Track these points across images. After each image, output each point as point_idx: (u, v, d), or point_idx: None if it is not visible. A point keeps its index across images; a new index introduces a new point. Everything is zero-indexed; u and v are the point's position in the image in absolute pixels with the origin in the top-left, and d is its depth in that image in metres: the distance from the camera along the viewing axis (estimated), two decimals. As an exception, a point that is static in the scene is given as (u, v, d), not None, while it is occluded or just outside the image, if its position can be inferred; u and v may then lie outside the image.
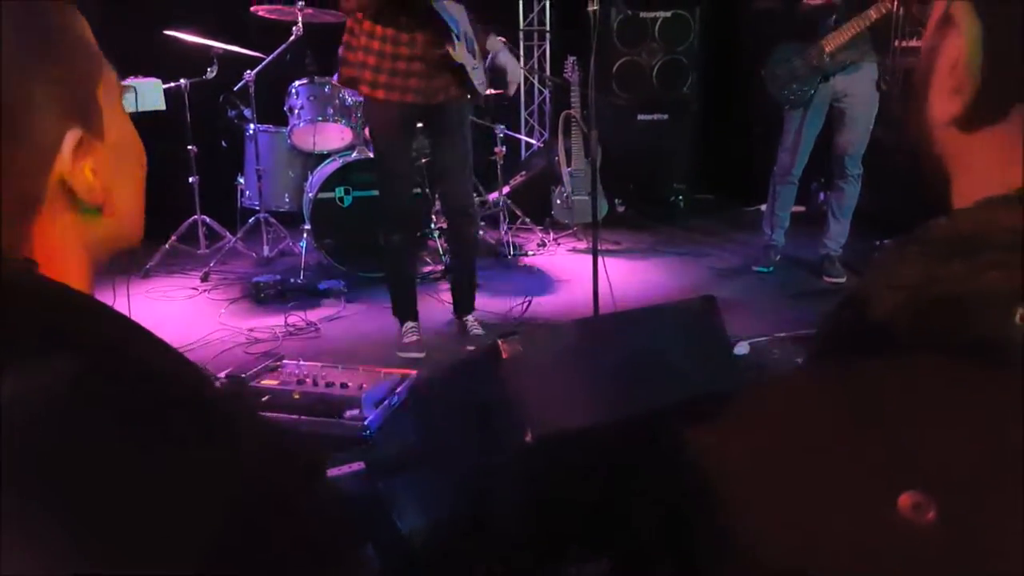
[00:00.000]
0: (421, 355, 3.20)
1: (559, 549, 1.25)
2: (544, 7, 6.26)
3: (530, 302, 3.75)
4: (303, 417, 2.48)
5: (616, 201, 5.49)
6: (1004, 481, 0.38)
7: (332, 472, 1.83)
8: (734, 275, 4.29)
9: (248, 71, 4.36)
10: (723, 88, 5.98)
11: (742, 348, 3.07)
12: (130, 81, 3.74)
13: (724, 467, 0.47)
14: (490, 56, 3.26)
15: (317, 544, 0.46)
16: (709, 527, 0.47)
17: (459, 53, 2.97)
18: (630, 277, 4.25)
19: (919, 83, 0.54)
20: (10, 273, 0.50)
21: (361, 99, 4.18)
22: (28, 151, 0.53)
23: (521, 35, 6.28)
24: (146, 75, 4.05)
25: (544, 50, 6.38)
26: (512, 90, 3.33)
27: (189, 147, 4.44)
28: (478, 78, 3.11)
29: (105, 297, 3.11)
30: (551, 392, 1.42)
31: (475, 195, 3.82)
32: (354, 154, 4.24)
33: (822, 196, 5.13)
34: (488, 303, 3.73)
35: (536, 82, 6.39)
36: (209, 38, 4.27)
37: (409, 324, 3.30)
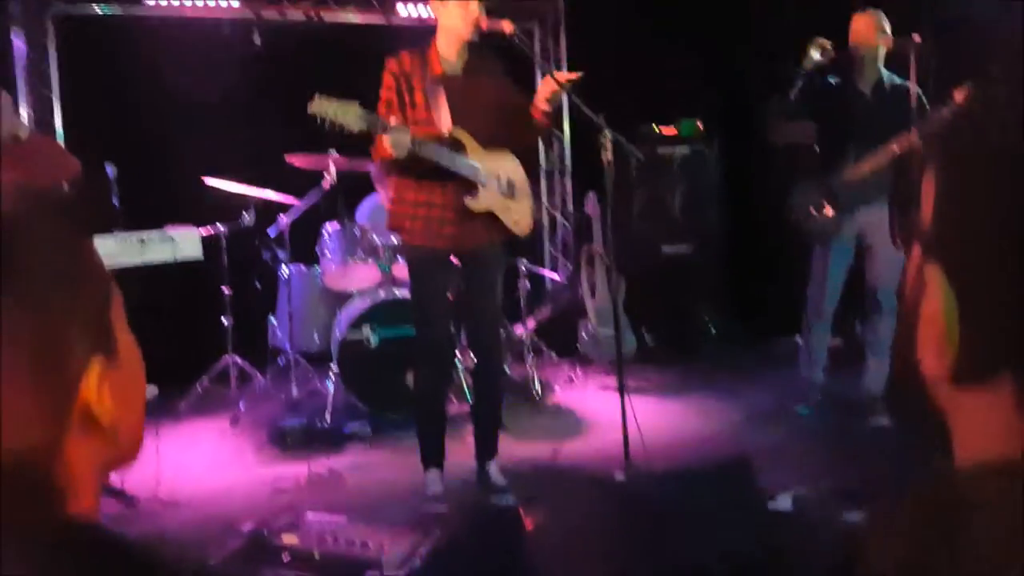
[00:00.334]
0: (444, 508, 3.13)
1: None
2: (564, 146, 6.49)
3: (558, 450, 3.67)
4: (323, 580, 2.41)
5: (645, 334, 5.46)
6: None
7: None
8: (771, 417, 4.13)
9: (283, 215, 4.52)
10: (747, 219, 6.04)
11: (784, 502, 2.90)
12: (169, 231, 3.88)
13: None
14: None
15: None
16: None
17: (482, 201, 3.07)
18: (661, 419, 4.15)
19: (906, 326, 0.52)
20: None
21: (390, 240, 4.34)
22: (60, 383, 0.55)
23: (543, 172, 6.48)
24: (185, 222, 4.19)
25: (565, 186, 6.56)
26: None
27: (223, 289, 4.56)
28: (515, 216, 3.18)
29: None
30: (574, 567, 1.37)
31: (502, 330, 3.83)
32: (382, 293, 4.31)
33: (860, 330, 5.03)
34: (514, 448, 3.66)
35: (559, 216, 6.53)
36: (246, 185, 4.46)
37: (433, 474, 3.25)
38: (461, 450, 3.73)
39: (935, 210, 0.49)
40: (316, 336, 4.60)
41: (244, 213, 4.54)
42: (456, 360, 4.44)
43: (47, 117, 5.11)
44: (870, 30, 3.76)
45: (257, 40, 5.35)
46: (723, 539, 1.45)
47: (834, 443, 3.75)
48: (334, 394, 4.21)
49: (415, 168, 3.04)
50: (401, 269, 4.39)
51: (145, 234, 3.78)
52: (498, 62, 3.20)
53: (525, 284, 5.00)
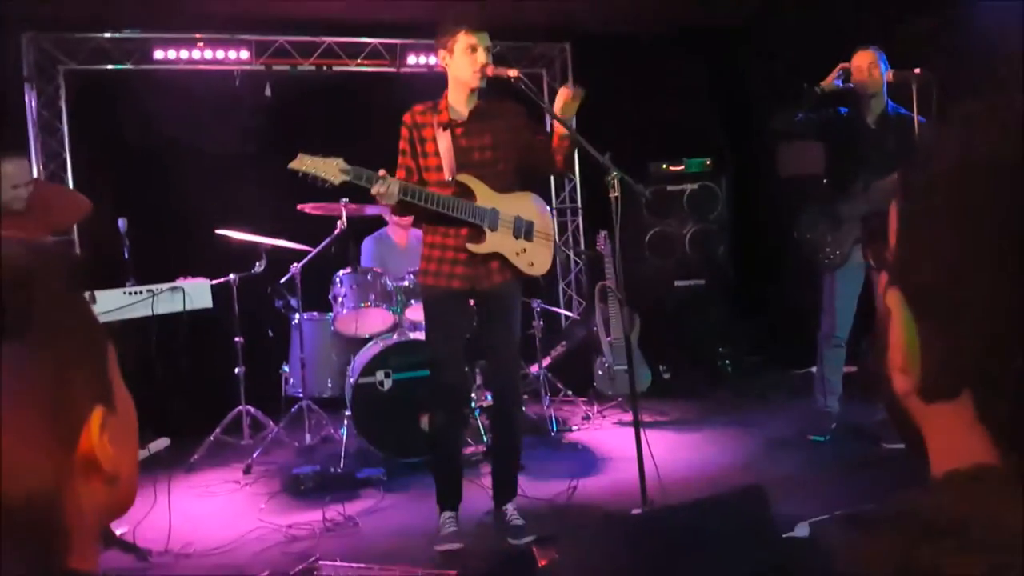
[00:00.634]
0: (458, 547, 3.10)
1: None
2: (575, 185, 6.53)
3: (575, 488, 3.61)
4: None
5: (661, 368, 5.42)
6: None
7: None
8: (788, 446, 4.11)
9: (295, 264, 4.55)
10: (758, 250, 6.04)
11: (802, 530, 2.87)
12: (179, 282, 3.91)
13: None
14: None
15: None
16: None
17: (487, 245, 3.09)
18: (678, 453, 4.10)
19: (880, 344, 0.54)
20: None
21: (402, 283, 4.36)
22: (65, 431, 0.57)
23: (555, 211, 6.51)
24: (197, 273, 4.21)
25: (577, 224, 6.59)
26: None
27: (236, 339, 4.57)
28: (530, 257, 3.18)
29: (147, 496, 3.08)
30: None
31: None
32: (395, 336, 4.30)
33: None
34: (531, 486, 3.61)
35: (572, 255, 6.54)
36: (257, 234, 4.49)
37: (447, 514, 3.21)
38: (478, 491, 3.68)
39: (896, 238, 0.52)
40: (329, 382, 4.59)
41: (256, 263, 4.57)
42: (472, 401, 4.41)
43: (59, 172, 5.21)
44: (871, 66, 3.81)
45: (268, 91, 5.46)
46: (741, 571, 1.40)
47: (850, 470, 3.69)
48: (348, 439, 4.18)
49: (426, 213, 3.10)
50: (414, 312, 4.40)
51: (155, 286, 3.82)
52: (509, 102, 3.24)
53: (540, 323, 4.99)
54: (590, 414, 4.97)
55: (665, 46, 5.96)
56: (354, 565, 2.71)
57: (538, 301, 5.08)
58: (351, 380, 4.23)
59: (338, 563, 2.73)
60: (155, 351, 4.13)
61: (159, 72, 5.34)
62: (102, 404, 0.59)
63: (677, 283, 5.80)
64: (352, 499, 3.71)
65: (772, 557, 1.35)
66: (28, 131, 5.09)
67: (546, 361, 5.13)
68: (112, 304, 3.66)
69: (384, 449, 4.10)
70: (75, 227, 5.10)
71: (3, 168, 3.30)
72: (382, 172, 2.93)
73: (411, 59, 5.85)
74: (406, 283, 4.37)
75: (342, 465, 4.06)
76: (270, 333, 4.95)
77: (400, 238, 4.90)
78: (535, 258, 3.21)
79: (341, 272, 4.47)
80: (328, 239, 4.55)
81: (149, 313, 3.75)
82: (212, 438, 4.41)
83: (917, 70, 3.70)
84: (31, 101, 5.14)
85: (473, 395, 4.41)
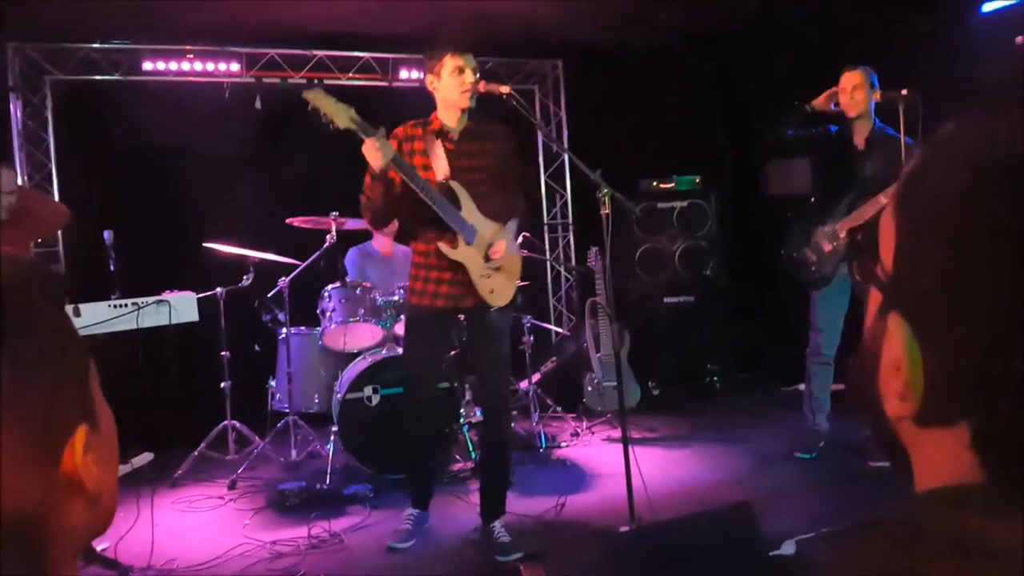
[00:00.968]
0: (405, 545, 3.22)
1: None
2: (566, 201, 6.54)
3: (563, 505, 3.58)
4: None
5: (650, 384, 5.41)
6: None
7: None
8: (776, 462, 4.10)
9: (282, 278, 4.52)
10: (747, 268, 6.06)
11: (789, 548, 2.85)
12: (165, 296, 3.88)
13: None
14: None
15: None
16: None
17: (459, 254, 3.09)
18: (667, 469, 4.08)
19: (866, 367, 0.53)
20: None
21: (391, 298, 4.33)
22: (46, 450, 0.56)
23: (546, 228, 6.51)
24: (183, 286, 4.17)
25: (568, 240, 6.59)
26: None
27: (223, 353, 4.53)
28: (492, 285, 3.17)
29: (130, 511, 3.05)
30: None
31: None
32: (383, 351, 4.27)
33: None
34: (519, 503, 3.58)
35: (563, 271, 6.54)
36: (245, 247, 4.46)
37: (410, 511, 3.32)
38: (465, 508, 3.65)
39: (896, 260, 0.51)
40: (316, 397, 4.55)
41: (244, 276, 4.54)
42: (460, 416, 4.37)
43: (44, 183, 5.17)
44: (855, 88, 3.84)
45: (258, 104, 5.44)
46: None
47: (837, 487, 3.69)
48: (334, 455, 4.14)
49: (409, 213, 3.10)
50: (404, 327, 4.36)
51: (141, 299, 3.78)
52: (499, 125, 3.25)
53: (530, 339, 4.97)
54: (579, 430, 4.94)
55: (656, 64, 5.99)
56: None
57: (528, 317, 5.07)
58: (338, 395, 4.19)
59: (322, 581, 2.68)
60: (140, 365, 4.09)
61: (148, 83, 5.31)
62: (85, 422, 0.58)
63: (667, 300, 5.81)
64: (338, 516, 3.66)
65: (759, 575, 1.34)
66: (13, 141, 5.05)
67: (536, 377, 5.10)
68: (97, 317, 3.63)
69: (371, 465, 4.06)
70: (60, 239, 5.06)
71: None
72: (382, 130, 2.92)
73: (403, 73, 5.86)
74: (396, 298, 4.34)
75: (328, 481, 4.01)
76: (257, 348, 4.91)
77: (384, 247, 4.88)
78: (497, 287, 3.19)
79: (330, 287, 4.44)
80: (317, 253, 4.53)
81: (134, 326, 3.72)
82: (197, 453, 4.35)
83: (904, 91, 3.72)
84: (16, 111, 5.10)
85: (462, 411, 4.38)
